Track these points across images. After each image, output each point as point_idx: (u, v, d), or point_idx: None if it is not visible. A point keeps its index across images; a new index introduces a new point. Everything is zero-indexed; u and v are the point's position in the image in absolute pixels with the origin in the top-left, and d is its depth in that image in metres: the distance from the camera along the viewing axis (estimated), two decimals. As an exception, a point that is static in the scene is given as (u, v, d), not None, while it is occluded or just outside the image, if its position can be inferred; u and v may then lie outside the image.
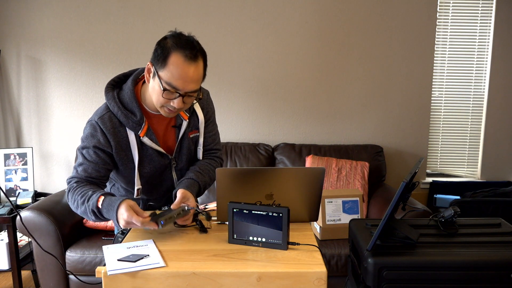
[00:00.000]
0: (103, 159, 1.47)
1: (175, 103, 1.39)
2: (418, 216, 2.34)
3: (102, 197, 1.36)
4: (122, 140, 1.48)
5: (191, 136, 1.61)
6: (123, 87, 1.51)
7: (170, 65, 1.34)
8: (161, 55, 1.35)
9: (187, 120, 1.57)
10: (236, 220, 1.29)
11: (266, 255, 1.23)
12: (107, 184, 1.67)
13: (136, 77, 1.52)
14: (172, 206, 1.41)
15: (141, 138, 1.48)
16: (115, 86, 1.53)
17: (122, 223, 1.31)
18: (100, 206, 1.36)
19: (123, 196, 1.46)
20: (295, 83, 3.16)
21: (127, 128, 1.47)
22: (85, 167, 1.46)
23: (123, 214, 1.29)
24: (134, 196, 1.54)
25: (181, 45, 1.35)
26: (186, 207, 1.38)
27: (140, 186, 1.54)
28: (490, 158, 3.31)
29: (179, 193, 1.45)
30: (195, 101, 1.49)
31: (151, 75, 1.40)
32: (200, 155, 1.66)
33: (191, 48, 1.35)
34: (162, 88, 1.36)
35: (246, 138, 3.21)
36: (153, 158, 1.54)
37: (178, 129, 1.57)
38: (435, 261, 1.25)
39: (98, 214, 1.37)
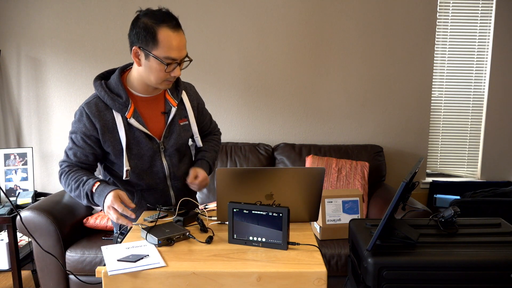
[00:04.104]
0: (90, 145, 1.55)
1: (175, 72, 1.49)
2: (418, 216, 2.34)
3: (98, 183, 1.46)
4: (109, 122, 1.54)
5: (181, 124, 1.67)
6: (111, 77, 1.61)
7: (162, 41, 1.42)
8: (147, 35, 1.43)
9: (176, 107, 1.64)
10: (236, 220, 1.29)
11: (266, 255, 1.23)
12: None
13: (123, 69, 1.64)
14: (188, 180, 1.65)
15: (128, 119, 1.54)
16: (102, 78, 1.63)
17: (105, 209, 1.40)
18: (94, 190, 1.45)
19: (117, 187, 1.48)
20: (295, 83, 3.16)
21: (114, 112, 1.54)
22: (74, 151, 1.56)
23: (108, 200, 1.38)
24: (123, 178, 1.58)
25: (162, 20, 1.43)
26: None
27: (128, 168, 1.57)
28: (490, 158, 3.31)
29: (191, 170, 1.68)
30: (186, 64, 1.55)
31: (142, 57, 1.47)
32: (199, 143, 1.76)
33: (171, 19, 1.45)
34: (165, 64, 1.43)
35: (246, 138, 3.21)
36: (140, 140, 1.57)
37: (168, 115, 1.63)
38: (435, 261, 1.25)
39: (91, 199, 1.47)
